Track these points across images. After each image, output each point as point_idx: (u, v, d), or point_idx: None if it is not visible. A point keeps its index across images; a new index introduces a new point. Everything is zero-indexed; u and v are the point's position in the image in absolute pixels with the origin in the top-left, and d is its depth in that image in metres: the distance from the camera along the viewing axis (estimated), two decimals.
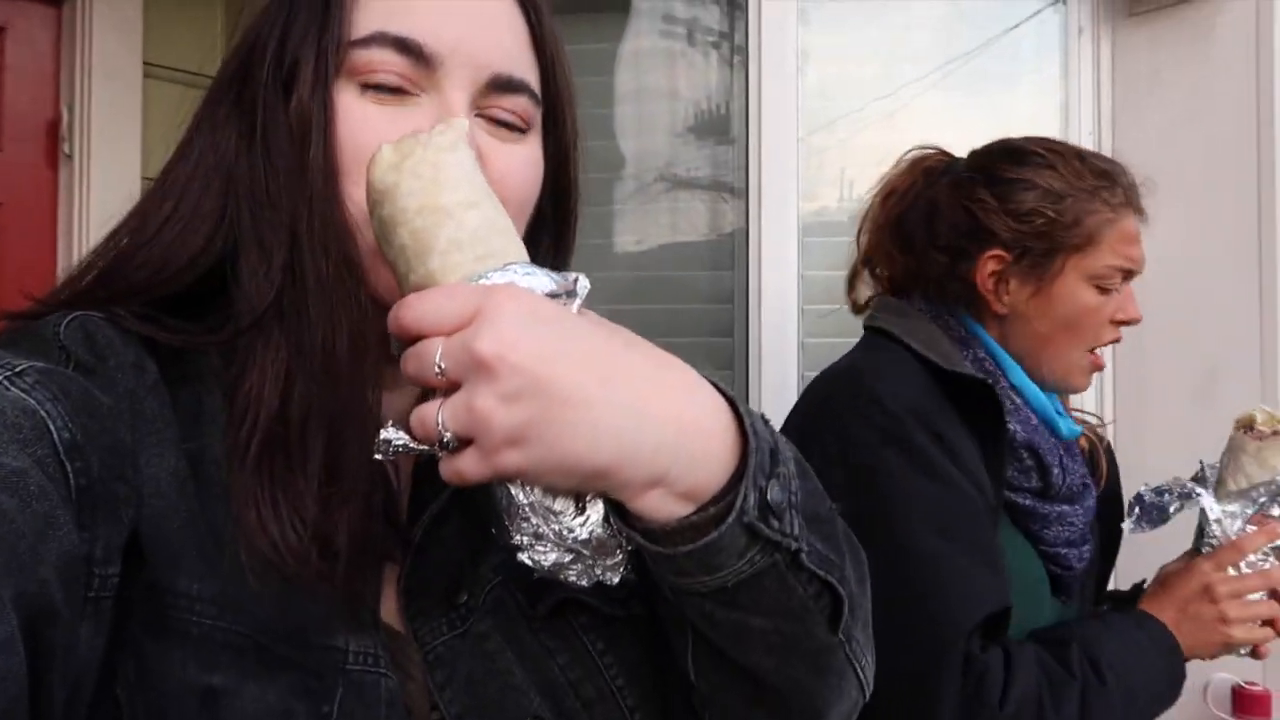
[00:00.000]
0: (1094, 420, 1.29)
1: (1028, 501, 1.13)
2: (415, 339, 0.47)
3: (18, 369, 0.50)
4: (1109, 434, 1.34)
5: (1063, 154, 1.15)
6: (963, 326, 1.16)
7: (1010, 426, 1.11)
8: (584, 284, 0.50)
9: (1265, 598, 1.08)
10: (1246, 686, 1.52)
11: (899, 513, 1.02)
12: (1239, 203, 1.59)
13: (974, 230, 1.15)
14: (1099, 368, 1.16)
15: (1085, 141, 1.71)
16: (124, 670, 0.53)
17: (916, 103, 1.84)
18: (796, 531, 0.52)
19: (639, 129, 1.93)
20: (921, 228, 1.19)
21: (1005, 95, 1.86)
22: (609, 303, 1.87)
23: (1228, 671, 1.52)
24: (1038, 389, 1.15)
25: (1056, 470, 1.13)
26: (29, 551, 0.43)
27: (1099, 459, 1.25)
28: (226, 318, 0.59)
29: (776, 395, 1.78)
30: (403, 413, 0.64)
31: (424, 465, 0.65)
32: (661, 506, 0.49)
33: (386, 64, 0.59)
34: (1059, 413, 1.19)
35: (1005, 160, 1.16)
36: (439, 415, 0.46)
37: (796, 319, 1.80)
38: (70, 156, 2.15)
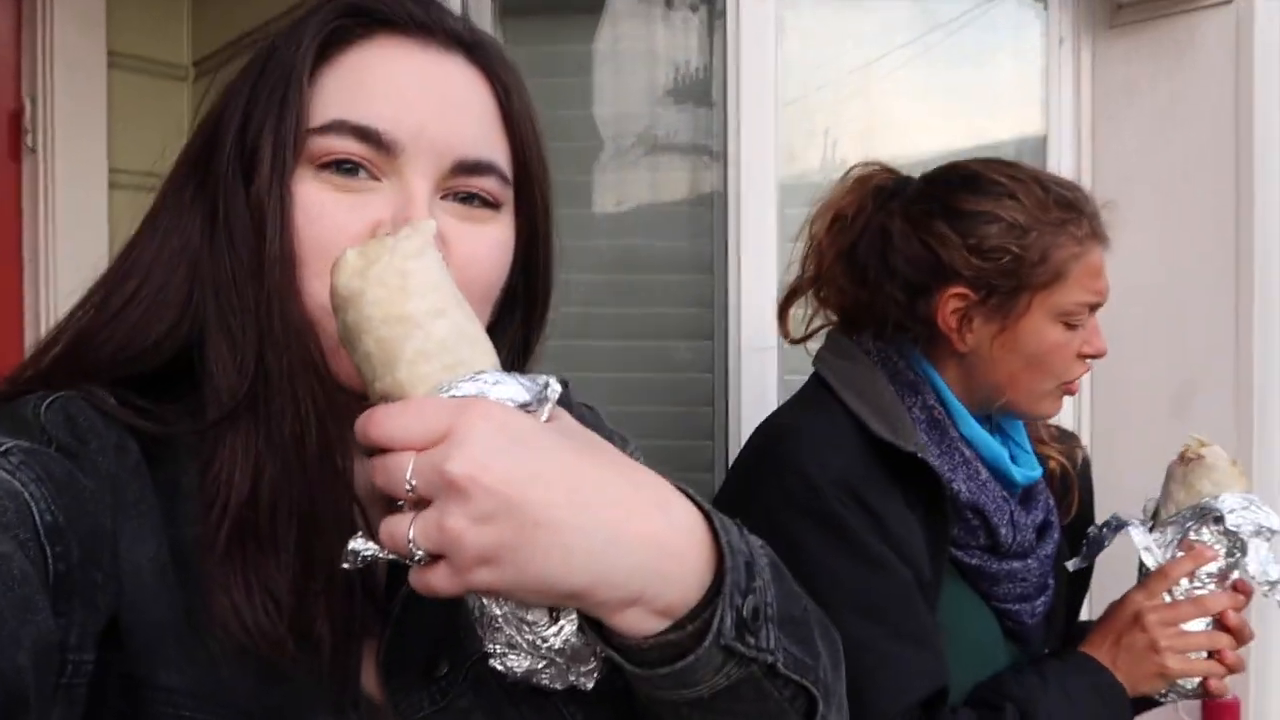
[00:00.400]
0: (1064, 443, 1.26)
1: (974, 560, 1.11)
2: (385, 450, 0.47)
3: (2, 448, 0.49)
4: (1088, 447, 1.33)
5: (1024, 182, 1.09)
6: (912, 369, 1.12)
7: (954, 486, 1.08)
8: (554, 389, 0.50)
9: (1210, 628, 1.06)
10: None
11: (823, 597, 0.93)
12: (1216, 215, 1.59)
13: (934, 267, 1.09)
14: (1071, 393, 1.14)
15: (1065, 150, 1.71)
16: None
17: (899, 72, 1.82)
18: (772, 645, 0.53)
19: (617, 94, 1.90)
20: (876, 260, 1.13)
21: (988, 64, 1.82)
22: (588, 271, 1.86)
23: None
24: (989, 439, 1.12)
25: (1004, 530, 1.10)
26: (9, 636, 0.42)
27: (1071, 485, 1.22)
28: (199, 400, 0.58)
29: (757, 371, 1.78)
30: (364, 485, 0.64)
31: None
32: (638, 623, 0.49)
33: (346, 151, 0.58)
34: (1023, 449, 1.17)
35: (964, 190, 1.10)
36: (410, 532, 0.45)
37: (775, 285, 1.76)
38: (34, 150, 2.10)
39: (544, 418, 0.49)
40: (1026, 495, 1.16)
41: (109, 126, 2.15)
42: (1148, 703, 1.11)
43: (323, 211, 0.57)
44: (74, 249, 2.10)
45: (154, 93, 2.22)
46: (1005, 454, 1.13)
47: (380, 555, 0.49)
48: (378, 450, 0.47)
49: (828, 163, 1.84)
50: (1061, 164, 1.71)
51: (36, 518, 0.48)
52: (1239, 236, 1.56)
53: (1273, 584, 1.05)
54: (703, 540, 0.51)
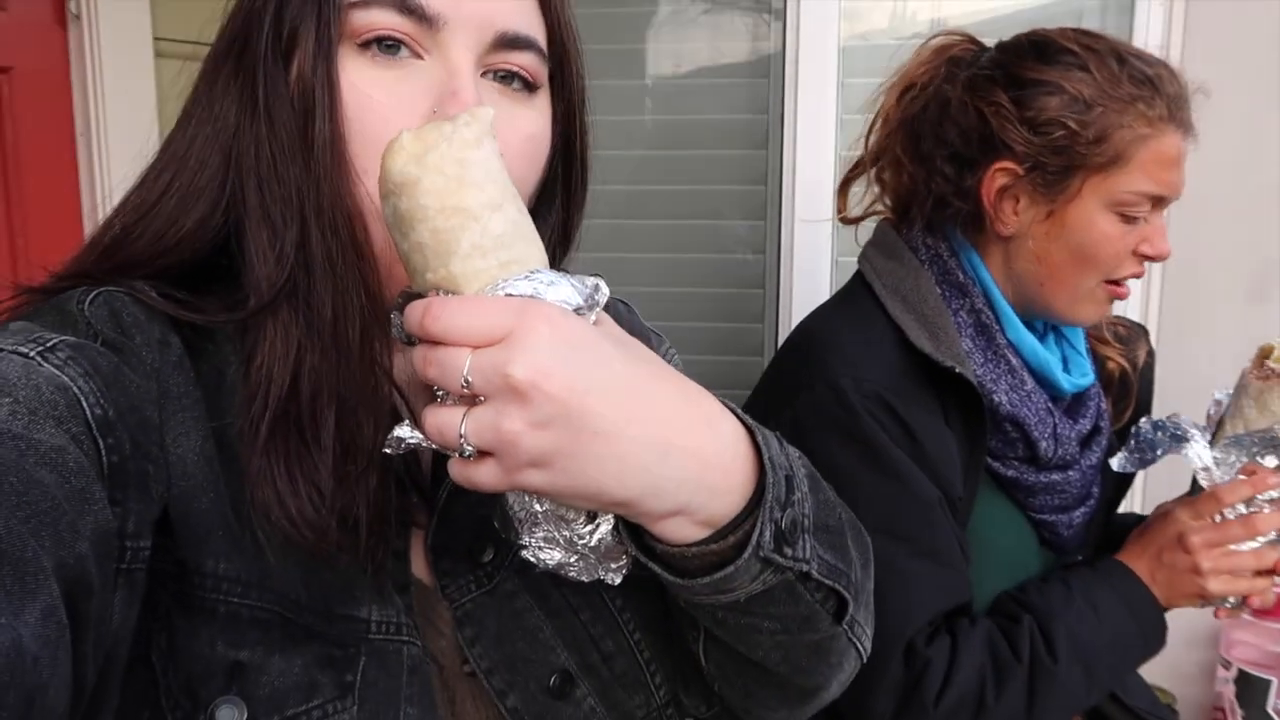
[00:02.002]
0: (1128, 343, 1.18)
1: (1011, 472, 1.07)
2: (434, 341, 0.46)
3: (49, 344, 0.50)
4: (1154, 338, 1.26)
5: (1100, 53, 0.98)
6: (962, 269, 1.06)
7: (995, 399, 1.03)
8: (604, 292, 0.49)
9: (1263, 545, 1.00)
10: None
11: None
12: None
13: (985, 138, 1.01)
14: (1120, 297, 1.05)
15: (1155, 14, 1.57)
16: (158, 640, 0.54)
17: None
18: (807, 554, 0.54)
19: None
20: (931, 130, 1.05)
21: None
22: (637, 147, 1.80)
23: None
24: (1037, 344, 1.06)
25: (1045, 443, 1.05)
26: (69, 526, 0.43)
27: (1129, 389, 1.16)
28: (239, 290, 0.57)
29: (810, 252, 1.74)
30: (406, 375, 0.63)
31: None
32: (679, 531, 0.51)
33: (388, 25, 0.56)
34: (1078, 352, 1.11)
35: (1031, 56, 1.01)
36: (462, 427, 0.46)
37: (833, 158, 1.71)
38: (78, 16, 2.07)
39: (591, 320, 0.49)
40: (1076, 402, 1.11)
41: None
42: None
43: (370, 94, 0.56)
44: (124, 119, 2.10)
45: None
46: (1054, 360, 1.07)
47: (424, 444, 0.50)
48: (427, 341, 0.47)
49: (895, 22, 1.73)
50: (1150, 25, 1.58)
51: (87, 411, 0.48)
52: None
53: None
54: (746, 455, 0.52)
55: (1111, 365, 1.16)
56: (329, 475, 0.55)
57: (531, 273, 0.48)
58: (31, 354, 0.48)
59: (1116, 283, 1.04)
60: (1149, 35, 1.58)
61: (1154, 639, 1.04)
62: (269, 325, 0.56)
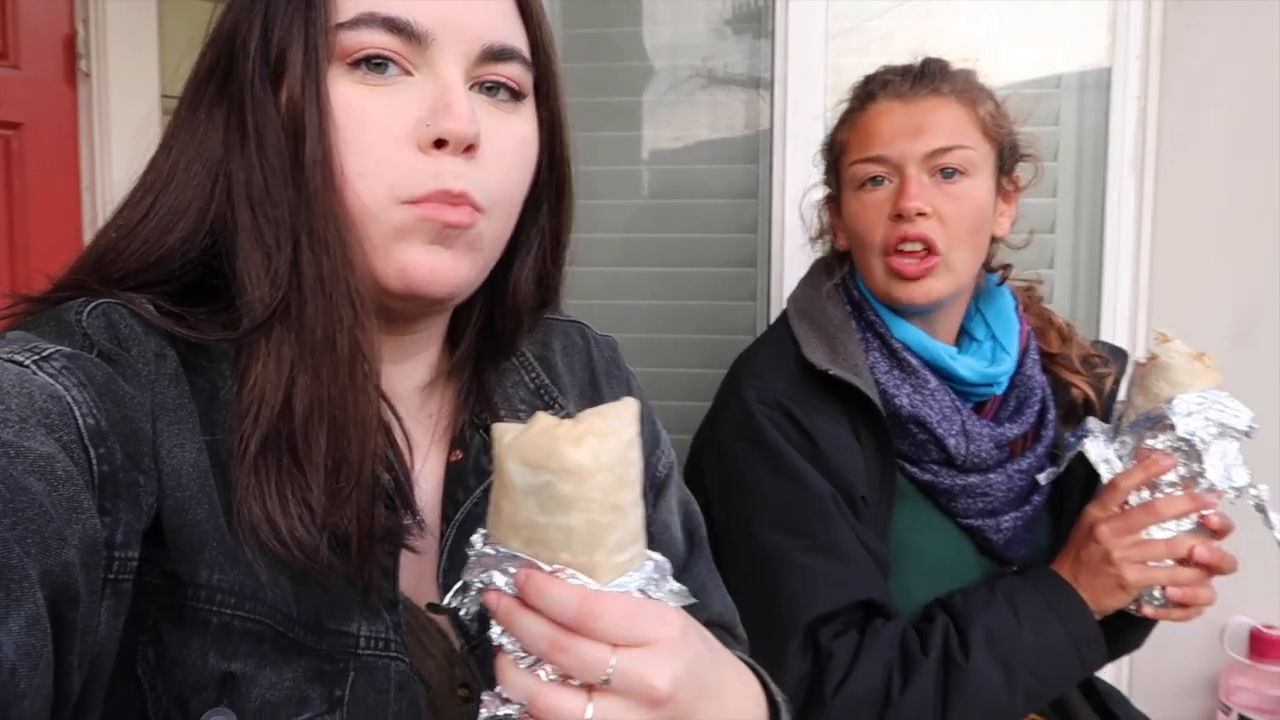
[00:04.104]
0: (1100, 368, 1.20)
1: (928, 476, 1.09)
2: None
3: (44, 353, 0.51)
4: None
5: (854, 86, 1.17)
6: (857, 287, 1.16)
7: (897, 402, 1.08)
8: (679, 591, 0.54)
9: (1179, 534, 0.99)
10: (1264, 630, 1.52)
11: (748, 509, 1.05)
12: None
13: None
14: (901, 275, 1.09)
15: (1132, 65, 1.62)
16: (145, 653, 0.54)
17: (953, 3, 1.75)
18: None
19: (668, 20, 1.88)
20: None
21: None
22: (631, 196, 1.83)
23: (1246, 615, 1.53)
24: (923, 337, 1.11)
25: (953, 441, 1.08)
26: (55, 535, 0.44)
27: (1093, 413, 1.16)
28: (234, 310, 0.58)
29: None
30: (398, 391, 0.64)
31: (458, 463, 0.68)
32: None
33: (377, 45, 0.57)
34: (1005, 351, 1.13)
35: None
36: (587, 714, 0.49)
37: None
38: (88, 74, 2.12)
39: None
40: (1018, 406, 1.14)
41: (161, 50, 2.16)
42: (1146, 624, 1.08)
43: (364, 112, 0.57)
44: (129, 174, 2.13)
45: (203, 17, 2.21)
46: (942, 349, 1.11)
47: (515, 716, 0.51)
48: (561, 625, 0.49)
49: None
50: (1127, 84, 1.64)
51: (79, 420, 0.49)
52: None
53: (1239, 490, 0.97)
54: (766, 711, 0.63)
55: (1075, 392, 1.18)
56: (321, 493, 0.55)
57: (644, 567, 0.51)
58: (26, 362, 0.49)
59: (889, 254, 1.10)
60: (1126, 90, 1.63)
61: (1088, 647, 1.02)
62: (262, 345, 0.56)
